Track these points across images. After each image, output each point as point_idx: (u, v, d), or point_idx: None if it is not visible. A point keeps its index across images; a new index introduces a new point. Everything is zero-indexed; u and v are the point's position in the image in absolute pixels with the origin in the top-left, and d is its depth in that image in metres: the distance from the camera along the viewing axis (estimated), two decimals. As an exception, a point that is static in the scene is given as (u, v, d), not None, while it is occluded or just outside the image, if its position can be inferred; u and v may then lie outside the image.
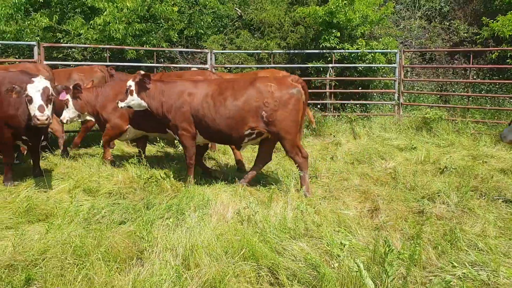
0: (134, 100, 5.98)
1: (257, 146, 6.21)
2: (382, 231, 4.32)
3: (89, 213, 4.61)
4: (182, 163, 6.81)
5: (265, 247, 3.75)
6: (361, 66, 11.87)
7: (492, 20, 12.32)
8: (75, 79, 7.96)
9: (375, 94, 12.69)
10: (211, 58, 11.13)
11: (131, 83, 5.95)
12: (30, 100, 5.14)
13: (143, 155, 6.57)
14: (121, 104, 6.04)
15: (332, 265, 3.48)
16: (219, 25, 14.98)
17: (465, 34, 14.69)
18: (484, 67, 12.78)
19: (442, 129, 9.66)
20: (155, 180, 5.60)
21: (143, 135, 7.17)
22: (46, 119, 5.08)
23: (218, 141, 6.36)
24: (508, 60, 12.14)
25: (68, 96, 6.57)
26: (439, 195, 5.32)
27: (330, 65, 11.69)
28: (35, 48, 9.26)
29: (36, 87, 5.17)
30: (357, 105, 11.95)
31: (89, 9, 12.44)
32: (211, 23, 14.40)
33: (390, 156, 7.66)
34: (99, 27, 11.49)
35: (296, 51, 13.11)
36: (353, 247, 3.83)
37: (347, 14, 11.42)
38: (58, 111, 6.79)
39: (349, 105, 11.81)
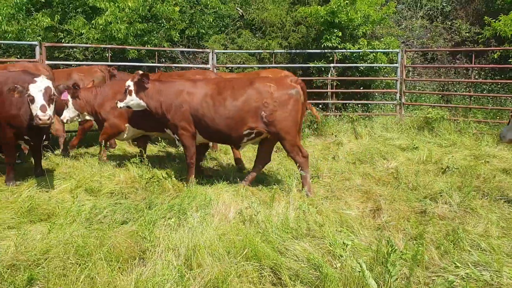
0: (133, 100, 5.98)
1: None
2: (385, 231, 4.31)
3: (91, 213, 4.61)
4: (183, 163, 6.81)
5: (268, 247, 3.74)
6: (362, 66, 11.86)
7: (494, 20, 12.30)
8: (75, 80, 7.97)
9: (376, 94, 12.68)
10: (212, 58, 11.14)
11: (129, 83, 5.95)
12: (32, 100, 5.14)
13: (144, 155, 6.58)
14: (120, 104, 6.04)
15: (335, 265, 3.47)
16: (221, 25, 14.98)
17: (467, 34, 14.67)
18: (486, 67, 12.76)
19: (444, 129, 9.64)
20: (157, 180, 5.59)
21: (144, 135, 7.18)
22: (48, 119, 5.08)
23: (217, 141, 6.37)
24: (510, 60, 12.10)
25: (68, 96, 6.60)
26: (441, 195, 5.31)
27: (331, 65, 11.68)
28: (37, 48, 9.29)
29: (38, 87, 5.17)
30: (359, 105, 11.94)
31: (91, 9, 12.44)
32: (213, 23, 14.39)
33: (392, 156, 7.64)
34: (101, 27, 11.49)
35: (297, 51, 13.10)
36: (355, 247, 3.81)
37: (349, 14, 11.40)
38: (58, 110, 6.80)
39: (350, 105, 11.81)
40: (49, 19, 11.78)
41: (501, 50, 12.29)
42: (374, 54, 11.82)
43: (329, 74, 11.78)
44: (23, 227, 4.29)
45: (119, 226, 4.28)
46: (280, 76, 7.29)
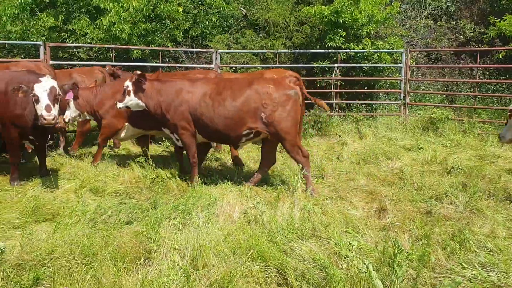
0: (132, 100, 5.98)
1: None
2: (390, 232, 4.29)
3: (96, 213, 4.61)
4: (186, 163, 6.80)
5: (273, 247, 3.72)
6: (366, 66, 11.83)
7: (499, 20, 12.25)
8: (76, 80, 7.99)
9: (380, 94, 12.64)
10: (216, 58, 11.14)
11: (128, 84, 5.95)
12: (37, 100, 5.15)
13: (148, 155, 6.58)
14: (119, 105, 6.05)
15: (341, 266, 3.46)
16: (224, 24, 14.96)
17: (472, 34, 14.61)
18: (490, 67, 12.70)
19: (449, 129, 9.60)
20: (161, 180, 5.60)
21: (144, 134, 7.19)
22: (53, 119, 5.09)
23: (216, 140, 6.38)
24: (515, 60, 12.08)
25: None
26: (446, 196, 5.28)
27: (335, 64, 11.66)
28: (41, 48, 9.31)
29: (43, 87, 5.18)
30: (363, 105, 11.89)
31: (95, 9, 12.44)
32: (216, 23, 14.38)
33: (397, 156, 7.62)
34: (105, 27, 11.51)
35: (301, 50, 13.07)
36: (361, 248, 3.80)
37: (353, 14, 11.38)
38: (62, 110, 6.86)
39: (354, 105, 11.77)
40: (53, 19, 11.81)
41: (506, 50, 12.25)
42: (378, 54, 11.79)
43: (333, 74, 11.76)
44: (28, 226, 4.29)
45: (124, 226, 4.28)
46: (280, 76, 7.29)
